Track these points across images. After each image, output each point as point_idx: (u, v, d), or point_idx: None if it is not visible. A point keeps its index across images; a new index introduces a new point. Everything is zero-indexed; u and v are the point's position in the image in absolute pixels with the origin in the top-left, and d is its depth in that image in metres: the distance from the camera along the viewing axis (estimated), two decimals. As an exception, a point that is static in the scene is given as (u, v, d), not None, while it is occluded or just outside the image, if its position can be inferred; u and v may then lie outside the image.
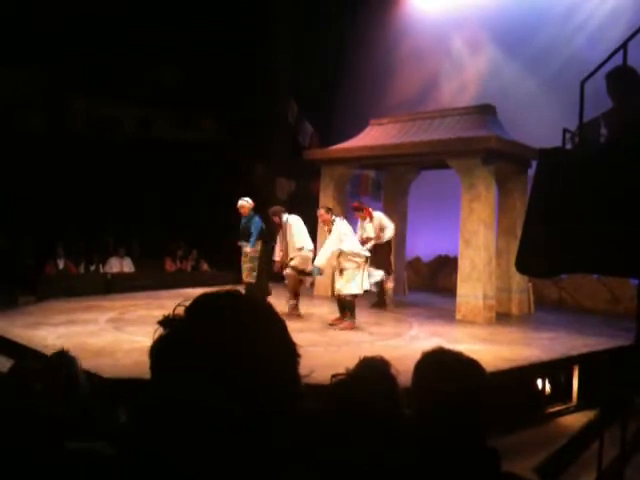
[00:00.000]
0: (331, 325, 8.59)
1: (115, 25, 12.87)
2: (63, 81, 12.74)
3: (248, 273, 9.36)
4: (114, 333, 7.66)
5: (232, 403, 0.87)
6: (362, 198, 12.24)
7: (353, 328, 8.43)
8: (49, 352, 3.05)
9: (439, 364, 1.62)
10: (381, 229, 10.29)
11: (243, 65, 14.17)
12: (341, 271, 8.48)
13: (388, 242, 10.43)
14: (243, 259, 9.46)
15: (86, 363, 5.39)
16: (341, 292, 8.51)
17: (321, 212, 8.92)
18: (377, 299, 10.52)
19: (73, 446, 1.69)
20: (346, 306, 8.56)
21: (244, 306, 0.97)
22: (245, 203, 9.43)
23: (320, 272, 8.81)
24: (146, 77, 13.65)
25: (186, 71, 14.35)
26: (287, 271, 9.22)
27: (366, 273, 8.58)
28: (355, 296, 8.51)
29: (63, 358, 2.81)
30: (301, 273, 9.22)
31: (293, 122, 13.70)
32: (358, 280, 8.42)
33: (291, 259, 9.16)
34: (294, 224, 9.22)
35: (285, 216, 9.30)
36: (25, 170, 11.88)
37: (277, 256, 9.50)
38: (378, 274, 10.08)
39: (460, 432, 1.50)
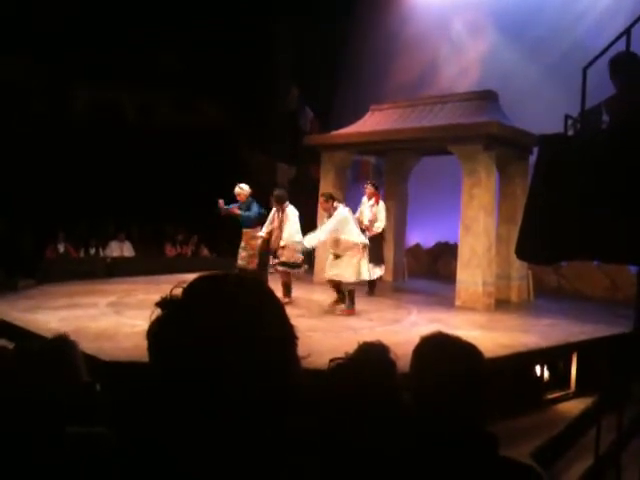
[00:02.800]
0: (329, 310, 8.59)
1: (116, 11, 12.79)
2: (65, 67, 12.69)
3: (250, 260, 9.34)
4: (114, 317, 7.68)
5: (230, 384, 0.88)
6: (362, 184, 12.22)
7: (352, 314, 8.43)
8: (49, 336, 3.05)
9: (437, 348, 1.62)
10: (374, 219, 10.29)
11: (244, 51, 14.10)
12: (337, 256, 8.47)
13: (382, 233, 10.44)
14: (244, 245, 9.42)
15: (87, 347, 5.43)
16: (335, 278, 8.51)
17: (321, 201, 8.91)
18: (368, 287, 10.33)
19: (74, 430, 1.70)
20: (344, 292, 8.55)
21: (241, 287, 0.97)
22: (241, 190, 9.36)
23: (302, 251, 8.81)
24: (146, 62, 13.57)
25: (186, 56, 14.28)
26: (279, 268, 9.16)
27: (364, 261, 8.55)
28: (353, 284, 8.50)
29: (63, 342, 2.82)
30: (292, 266, 9.16)
31: (293, 107, 13.66)
32: (355, 268, 8.39)
33: (282, 247, 9.08)
34: (294, 215, 9.19)
35: (288, 204, 9.27)
36: (26, 155, 11.86)
37: (264, 233, 9.33)
38: (378, 271, 10.14)
39: (458, 416, 1.51)
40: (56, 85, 12.86)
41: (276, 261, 9.19)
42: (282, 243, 9.04)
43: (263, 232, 9.34)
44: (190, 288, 0.95)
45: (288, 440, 0.94)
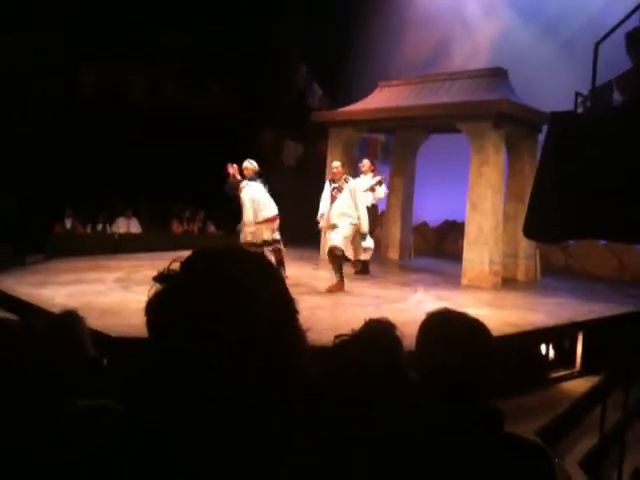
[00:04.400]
0: (329, 291, 8.41)
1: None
2: (73, 45, 12.61)
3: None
4: (121, 292, 7.71)
5: (228, 360, 0.87)
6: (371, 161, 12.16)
7: (342, 289, 8.35)
8: (56, 311, 3.07)
9: (443, 324, 1.62)
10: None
11: (252, 28, 13.97)
12: (334, 226, 8.48)
13: (374, 205, 10.41)
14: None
15: (93, 322, 5.46)
16: (332, 242, 8.43)
17: (337, 166, 8.84)
18: (360, 266, 9.86)
19: (82, 403, 1.70)
20: (335, 263, 8.44)
21: (240, 261, 0.96)
22: (249, 165, 9.27)
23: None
24: (154, 41, 13.48)
25: (194, 35, 14.16)
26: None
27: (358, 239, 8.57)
28: (343, 253, 8.40)
29: (69, 317, 2.83)
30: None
31: (302, 85, 13.57)
32: (349, 238, 8.40)
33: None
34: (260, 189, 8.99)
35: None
36: (34, 132, 11.84)
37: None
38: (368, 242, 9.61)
39: (464, 391, 1.50)
40: (63, 64, 12.78)
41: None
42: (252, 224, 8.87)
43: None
44: (188, 262, 0.94)
45: (290, 420, 0.93)
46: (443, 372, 1.53)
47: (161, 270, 0.94)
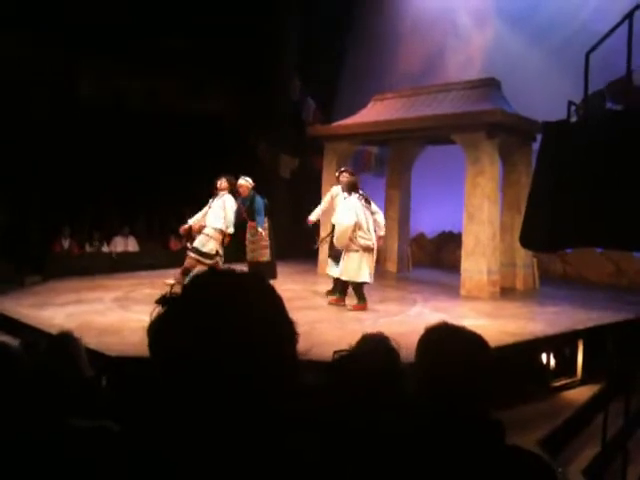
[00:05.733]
0: (331, 304, 8.36)
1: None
2: (67, 55, 12.60)
3: (262, 252, 9.27)
4: (120, 312, 7.69)
5: (230, 380, 0.87)
6: (364, 174, 12.18)
7: (364, 309, 8.16)
8: (55, 332, 3.07)
9: (442, 338, 1.62)
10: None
11: (248, 41, 14.04)
12: (347, 251, 8.12)
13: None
14: (252, 238, 9.29)
15: (93, 342, 5.45)
16: (343, 277, 8.26)
17: (346, 175, 8.66)
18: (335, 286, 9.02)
19: (78, 423, 1.70)
20: (354, 289, 8.26)
21: (241, 284, 0.97)
22: (244, 182, 9.24)
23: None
24: (149, 50, 13.49)
25: (190, 45, 14.21)
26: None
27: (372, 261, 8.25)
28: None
29: (66, 338, 2.83)
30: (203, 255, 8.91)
31: (296, 99, 13.63)
32: (367, 266, 8.09)
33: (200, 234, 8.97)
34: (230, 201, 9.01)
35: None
36: (30, 146, 11.79)
37: (193, 221, 9.16)
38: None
39: (463, 404, 1.50)
40: (61, 74, 12.73)
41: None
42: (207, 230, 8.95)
43: (192, 222, 9.15)
44: (190, 286, 0.95)
45: (286, 435, 0.94)
46: (442, 386, 1.53)
47: (164, 293, 0.95)
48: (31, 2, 11.59)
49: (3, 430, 1.61)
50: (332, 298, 8.54)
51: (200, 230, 9.02)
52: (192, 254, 8.91)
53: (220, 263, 9.02)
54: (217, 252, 8.95)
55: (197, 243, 8.94)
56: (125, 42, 12.98)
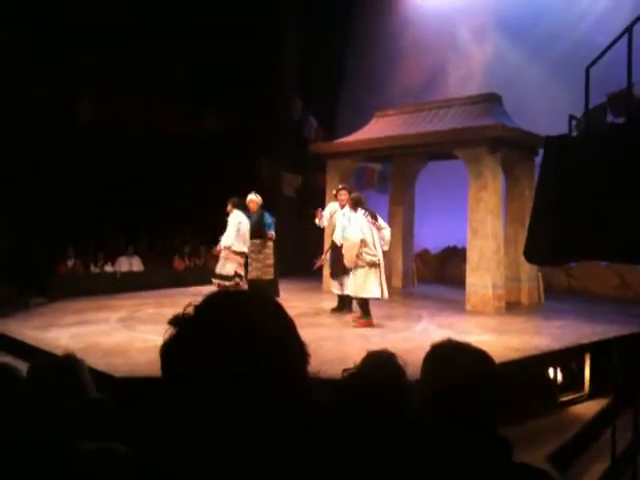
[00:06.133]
0: (354, 325, 8.15)
1: (125, 21, 12.82)
2: (67, 77, 12.67)
3: (267, 270, 9.30)
4: (126, 332, 7.69)
5: (240, 401, 0.88)
6: (367, 191, 12.20)
7: (372, 325, 8.12)
8: (60, 353, 3.07)
9: (446, 355, 1.62)
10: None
11: (248, 60, 14.15)
12: (354, 267, 8.10)
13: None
14: (256, 256, 9.31)
15: (98, 362, 5.45)
16: (350, 293, 8.31)
17: (344, 193, 8.70)
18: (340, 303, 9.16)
19: (87, 446, 1.70)
20: (360, 306, 8.26)
21: (253, 305, 0.98)
22: (255, 198, 9.35)
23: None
24: (151, 71, 13.59)
25: (192, 66, 14.32)
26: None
27: (383, 276, 8.21)
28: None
29: (69, 361, 2.83)
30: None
31: (297, 117, 13.72)
32: (374, 281, 8.04)
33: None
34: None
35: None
36: (33, 167, 11.83)
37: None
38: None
39: (469, 422, 1.50)
40: (62, 97, 12.81)
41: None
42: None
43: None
44: (202, 306, 0.96)
45: (297, 458, 0.94)
46: (447, 402, 1.53)
47: (176, 314, 0.96)
48: (34, 20, 11.67)
49: (7, 452, 1.61)
50: (360, 321, 8.21)
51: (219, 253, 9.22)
52: (214, 280, 9.02)
53: (241, 284, 9.09)
54: (236, 273, 9.01)
55: (217, 266, 9.06)
56: (125, 63, 13.09)
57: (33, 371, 2.71)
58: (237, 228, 9.07)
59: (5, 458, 1.61)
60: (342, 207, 8.82)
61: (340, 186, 9.33)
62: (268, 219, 9.30)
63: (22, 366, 3.06)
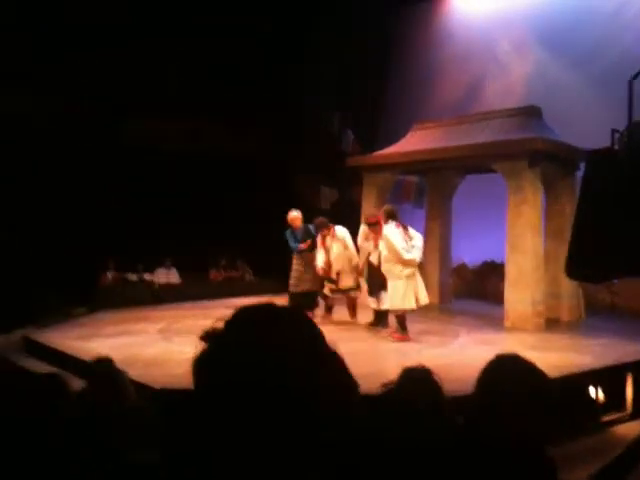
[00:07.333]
0: (390, 339, 8.25)
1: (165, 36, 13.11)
2: (114, 96, 12.96)
3: (307, 283, 9.42)
4: (164, 344, 7.78)
5: (274, 417, 0.88)
6: (404, 205, 12.13)
7: (408, 339, 8.12)
8: (100, 363, 3.12)
9: (508, 369, 1.61)
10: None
11: (285, 75, 14.27)
12: (391, 280, 8.14)
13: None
14: (302, 268, 9.46)
15: (138, 373, 5.52)
16: (388, 307, 8.33)
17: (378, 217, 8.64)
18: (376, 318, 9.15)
19: (133, 457, 1.72)
20: (397, 320, 8.29)
21: (281, 318, 0.98)
22: (298, 214, 9.54)
23: None
24: (192, 89, 13.81)
25: (231, 82, 14.48)
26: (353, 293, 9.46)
27: (420, 284, 8.29)
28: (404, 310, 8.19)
29: (110, 370, 2.88)
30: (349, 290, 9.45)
31: (335, 130, 13.76)
32: (402, 292, 8.05)
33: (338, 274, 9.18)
34: (348, 236, 9.30)
35: (336, 227, 9.34)
36: (75, 182, 12.09)
37: (322, 263, 9.23)
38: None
39: (522, 439, 1.48)
40: (103, 113, 13.10)
41: (333, 287, 9.32)
42: (344, 268, 9.17)
43: (320, 263, 9.21)
44: (232, 321, 0.97)
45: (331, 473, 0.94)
46: (501, 415, 1.51)
47: (206, 329, 0.97)
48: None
49: (56, 463, 1.64)
50: (396, 335, 8.27)
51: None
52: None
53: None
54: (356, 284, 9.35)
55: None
56: (165, 84, 13.34)
57: (90, 382, 2.77)
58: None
59: (55, 468, 1.63)
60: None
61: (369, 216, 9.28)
62: (311, 232, 9.44)
63: (66, 377, 3.11)
